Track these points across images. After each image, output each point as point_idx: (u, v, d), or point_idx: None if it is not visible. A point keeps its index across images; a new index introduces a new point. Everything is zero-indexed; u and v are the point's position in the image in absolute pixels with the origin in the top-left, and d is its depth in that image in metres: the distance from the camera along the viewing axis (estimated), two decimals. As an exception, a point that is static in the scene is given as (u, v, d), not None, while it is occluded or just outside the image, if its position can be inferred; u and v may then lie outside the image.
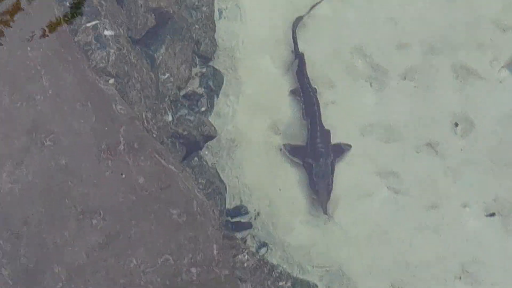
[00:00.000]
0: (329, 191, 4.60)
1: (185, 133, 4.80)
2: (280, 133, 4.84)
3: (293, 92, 4.96)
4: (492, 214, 4.72)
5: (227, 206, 4.67)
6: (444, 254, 4.76)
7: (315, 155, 4.67)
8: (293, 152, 4.77)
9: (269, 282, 4.33)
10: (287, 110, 4.93)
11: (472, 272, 4.76)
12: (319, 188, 4.59)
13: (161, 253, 4.27)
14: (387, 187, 4.86)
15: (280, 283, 4.39)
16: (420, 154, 4.81)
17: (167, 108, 4.71)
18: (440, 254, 4.77)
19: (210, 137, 4.88)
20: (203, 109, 4.93)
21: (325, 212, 4.56)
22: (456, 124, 4.95)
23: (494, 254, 4.79)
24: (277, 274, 4.57)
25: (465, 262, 4.76)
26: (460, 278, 4.75)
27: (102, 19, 4.48)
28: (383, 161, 4.90)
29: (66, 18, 4.47)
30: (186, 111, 4.80)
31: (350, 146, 4.74)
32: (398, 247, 4.77)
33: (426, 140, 4.94)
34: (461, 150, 4.90)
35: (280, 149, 4.80)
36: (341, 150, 4.76)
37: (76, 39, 4.36)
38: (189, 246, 4.36)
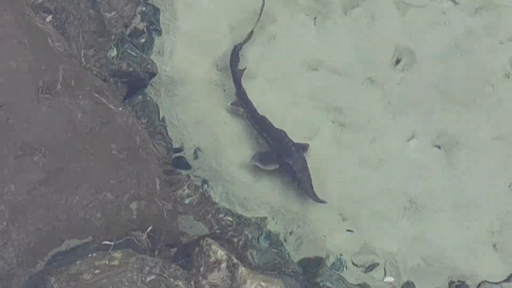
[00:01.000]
0: (311, 180, 4.48)
1: (130, 69, 4.72)
2: (221, 70, 4.55)
3: (235, 105, 4.76)
4: (437, 147, 4.37)
5: (169, 144, 4.38)
6: (389, 187, 4.68)
7: (288, 154, 4.54)
8: (264, 161, 4.59)
9: (209, 216, 4.09)
10: (227, 46, 4.56)
11: (419, 204, 4.69)
12: (305, 182, 4.51)
13: (102, 190, 4.11)
14: (332, 122, 4.78)
15: (221, 215, 4.15)
16: (363, 88, 4.52)
17: (112, 45, 4.50)
18: (385, 187, 4.69)
19: (152, 74, 4.76)
20: (145, 46, 4.66)
21: (318, 200, 4.51)
22: (398, 60, 4.85)
23: (439, 186, 4.70)
24: (218, 208, 4.54)
25: (411, 195, 4.67)
26: (408, 209, 4.68)
27: (39, -46, 4.21)
28: (327, 97, 4.79)
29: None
30: (130, 48, 4.52)
31: (308, 144, 4.64)
32: (343, 182, 4.69)
33: (369, 74, 4.85)
34: (404, 84, 4.77)
35: (251, 161, 4.58)
36: (302, 146, 4.63)
37: (12, -25, 4.13)
38: (131, 182, 4.28)
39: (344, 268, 4.57)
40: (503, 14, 4.82)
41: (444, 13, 4.86)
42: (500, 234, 4.55)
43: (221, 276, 4.00)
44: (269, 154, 4.57)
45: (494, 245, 4.53)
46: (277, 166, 4.51)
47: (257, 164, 4.54)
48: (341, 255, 4.57)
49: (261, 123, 4.57)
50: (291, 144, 4.50)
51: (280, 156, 4.51)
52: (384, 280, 4.50)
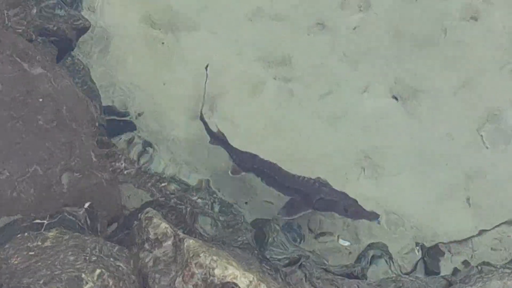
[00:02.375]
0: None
1: (55, 28, 4.12)
2: (158, 25, 3.82)
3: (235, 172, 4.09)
4: (395, 98, 3.80)
5: (104, 106, 3.70)
6: (344, 144, 4.18)
7: (315, 191, 3.88)
8: (294, 211, 3.94)
9: (149, 185, 3.46)
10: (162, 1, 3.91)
11: (378, 161, 4.18)
12: (353, 205, 3.84)
13: (31, 163, 3.43)
14: (277, 77, 4.28)
15: (162, 184, 3.53)
16: (312, 36, 3.91)
17: (34, 3, 3.76)
18: (339, 144, 4.19)
19: (83, 30, 4.19)
20: (73, 2, 4.04)
21: (375, 216, 3.84)
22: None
23: (396, 139, 4.20)
24: (158, 177, 4.09)
25: (370, 151, 4.18)
26: (367, 167, 4.17)
27: None
28: (273, 48, 3.97)
29: None
30: (55, 4, 3.83)
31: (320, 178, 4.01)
32: (294, 140, 4.19)
33: (317, 20, 4.33)
34: (358, 30, 4.04)
35: (279, 219, 4.00)
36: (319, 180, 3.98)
37: None
38: (62, 154, 3.81)
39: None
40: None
41: None
42: (469, 189, 4.13)
43: (166, 251, 3.41)
44: (294, 202, 3.96)
45: (467, 200, 4.12)
46: (310, 210, 3.93)
47: (289, 218, 4.00)
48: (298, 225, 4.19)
49: (271, 174, 3.95)
50: (312, 181, 3.88)
51: (309, 197, 3.89)
52: (340, 243, 4.10)
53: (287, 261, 4.07)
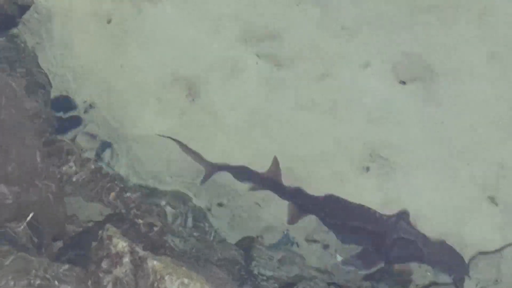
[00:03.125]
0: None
1: None
2: None
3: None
4: (402, 82, 3.46)
5: (52, 98, 2.83)
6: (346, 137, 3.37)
7: (392, 230, 3.15)
8: (365, 264, 3.16)
9: (106, 193, 2.62)
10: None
11: (385, 157, 3.37)
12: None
13: None
14: (263, 58, 3.46)
15: (127, 194, 2.65)
16: (301, 7, 2.95)
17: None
18: (340, 138, 3.39)
19: (25, 7, 3.48)
20: None
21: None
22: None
23: (412, 132, 3.38)
24: (117, 183, 3.35)
25: (375, 146, 3.38)
26: (368, 168, 3.38)
27: None
28: (260, 24, 3.49)
29: None
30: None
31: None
32: (284, 134, 3.40)
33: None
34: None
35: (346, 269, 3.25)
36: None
37: None
38: None
39: (295, 245, 3.47)
40: None
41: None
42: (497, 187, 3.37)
43: (124, 271, 2.56)
44: (365, 253, 3.18)
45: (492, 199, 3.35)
46: (383, 264, 3.17)
47: (359, 270, 3.21)
48: (287, 230, 3.46)
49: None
50: (385, 219, 3.13)
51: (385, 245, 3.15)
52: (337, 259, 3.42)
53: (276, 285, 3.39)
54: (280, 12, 3.44)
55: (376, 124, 3.41)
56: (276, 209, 3.47)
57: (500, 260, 3.25)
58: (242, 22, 3.47)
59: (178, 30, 3.43)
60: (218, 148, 3.36)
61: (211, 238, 3.51)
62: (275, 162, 3.28)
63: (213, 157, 3.32)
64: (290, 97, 3.42)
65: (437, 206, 3.33)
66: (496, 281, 3.26)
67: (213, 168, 3.33)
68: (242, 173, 3.35)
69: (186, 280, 2.81)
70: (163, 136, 3.32)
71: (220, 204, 3.47)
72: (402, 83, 3.48)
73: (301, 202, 3.29)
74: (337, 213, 3.21)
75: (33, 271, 2.87)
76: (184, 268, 2.96)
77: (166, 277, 2.81)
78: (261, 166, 3.28)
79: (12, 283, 2.78)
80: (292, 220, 3.34)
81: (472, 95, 3.42)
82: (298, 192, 3.26)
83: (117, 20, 3.43)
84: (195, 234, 3.42)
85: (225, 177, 3.30)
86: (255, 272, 3.42)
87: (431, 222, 3.30)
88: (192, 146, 3.35)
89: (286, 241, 3.51)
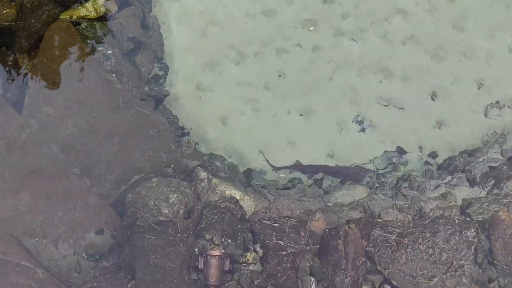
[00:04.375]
0: None
1: (154, 94, 7.40)
2: None
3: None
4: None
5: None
6: (279, 136, 7.21)
7: None
8: None
9: (198, 158, 7.50)
10: None
11: (295, 143, 7.53)
12: None
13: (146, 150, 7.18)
14: (249, 111, 7.36)
15: (204, 157, 7.57)
16: (263, 91, 7.80)
17: (144, 84, 7.51)
18: (279, 137, 7.24)
19: (166, 96, 7.38)
20: (161, 82, 7.77)
21: None
22: (280, 75, 7.74)
23: (302, 133, 7.54)
24: (203, 154, 7.54)
25: (290, 139, 7.17)
26: (288, 145, 7.51)
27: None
28: (248, 96, 7.71)
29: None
30: (153, 84, 7.70)
31: None
32: (258, 136, 7.30)
33: (264, 84, 7.77)
34: (282, 86, 7.70)
35: None
36: None
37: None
38: (160, 146, 7.20)
39: (265, 173, 7.60)
40: None
41: (295, 53, 7.48)
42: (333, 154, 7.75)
43: (205, 185, 6.48)
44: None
45: (331, 154, 7.78)
46: None
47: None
48: (262, 168, 7.58)
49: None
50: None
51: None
52: (281, 176, 7.71)
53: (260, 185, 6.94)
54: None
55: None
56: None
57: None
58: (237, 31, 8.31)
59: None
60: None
61: (238, 171, 6.98)
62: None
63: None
64: (288, 101, 8.03)
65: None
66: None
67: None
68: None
69: (226, 185, 6.66)
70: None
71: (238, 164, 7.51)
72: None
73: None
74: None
75: (172, 184, 5.82)
76: (225, 181, 6.55)
77: (219, 186, 6.14)
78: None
79: (165, 189, 5.78)
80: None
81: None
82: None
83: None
84: (228, 170, 6.85)
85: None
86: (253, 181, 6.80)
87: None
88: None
89: (262, 172, 7.61)
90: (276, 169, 6.74)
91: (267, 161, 6.82)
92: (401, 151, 7.28)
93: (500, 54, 7.52)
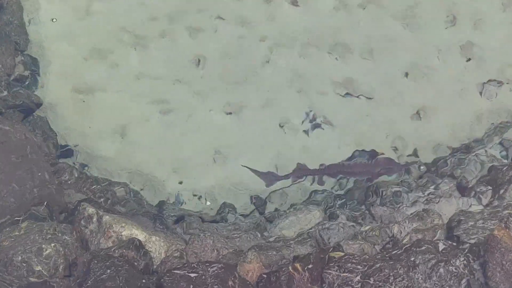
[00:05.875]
0: None
1: (20, 102, 7.32)
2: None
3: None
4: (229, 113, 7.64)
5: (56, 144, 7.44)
6: (200, 146, 7.52)
7: None
8: None
9: (85, 188, 7.23)
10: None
11: (224, 153, 7.59)
12: None
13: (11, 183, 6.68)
14: (156, 115, 7.58)
15: (93, 186, 7.31)
16: (174, 86, 7.70)
17: (2, 88, 7.31)
18: (199, 147, 7.60)
19: (38, 104, 7.46)
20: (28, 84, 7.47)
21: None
22: (197, 62, 7.74)
23: (235, 139, 7.60)
24: (92, 181, 7.32)
25: (217, 148, 7.58)
26: (214, 160, 7.53)
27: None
28: (154, 95, 7.73)
29: None
30: (18, 88, 7.39)
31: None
32: (171, 148, 7.61)
33: (177, 77, 7.77)
34: (202, 78, 7.77)
35: None
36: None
37: None
38: (27, 176, 6.70)
39: (184, 202, 7.52)
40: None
41: (216, 31, 7.86)
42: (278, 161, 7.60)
43: (94, 226, 6.27)
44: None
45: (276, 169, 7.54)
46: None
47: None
48: (180, 193, 7.47)
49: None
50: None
51: None
52: (206, 205, 7.58)
53: (174, 219, 7.03)
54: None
55: (217, 136, 8.04)
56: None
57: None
58: (146, 93, 8.33)
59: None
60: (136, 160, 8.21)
61: (143, 202, 7.10)
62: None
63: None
64: (173, 131, 7.98)
65: (248, 174, 8.27)
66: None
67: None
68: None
69: (123, 224, 6.94)
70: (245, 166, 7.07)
71: (142, 189, 7.37)
72: (229, 114, 8.36)
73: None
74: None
75: (44, 230, 5.64)
76: (123, 218, 7.42)
77: (113, 224, 6.31)
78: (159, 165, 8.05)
79: (37, 237, 5.63)
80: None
81: (262, 117, 8.31)
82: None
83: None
84: (133, 199, 6.94)
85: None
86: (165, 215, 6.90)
87: (246, 181, 8.16)
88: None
89: (179, 200, 7.50)
90: (284, 177, 7.06)
91: (254, 171, 7.10)
92: (370, 154, 7.20)
93: (491, 16, 7.54)
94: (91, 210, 6.47)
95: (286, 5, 7.85)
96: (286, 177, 6.96)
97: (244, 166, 7.05)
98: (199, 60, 7.82)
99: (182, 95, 7.69)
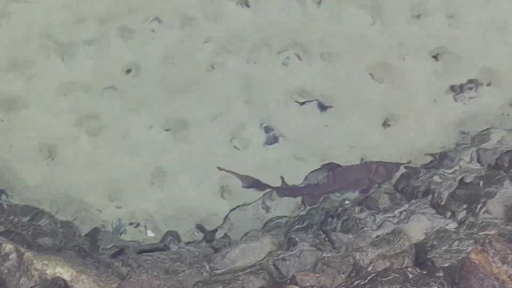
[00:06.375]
0: None
1: None
2: None
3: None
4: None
5: None
6: (137, 167, 7.44)
7: None
8: None
9: (2, 218, 6.89)
10: None
11: (165, 175, 7.50)
12: None
13: None
14: (87, 132, 7.42)
15: (12, 217, 6.99)
16: (104, 98, 7.38)
17: None
18: (136, 168, 7.48)
19: None
20: None
21: None
22: (129, 70, 7.52)
23: (176, 158, 7.49)
24: (13, 210, 7.01)
25: (157, 169, 7.45)
26: (154, 183, 7.36)
27: None
28: (83, 109, 7.53)
29: None
30: None
31: None
32: (105, 171, 7.44)
33: (107, 85, 7.56)
34: (135, 87, 7.58)
35: None
36: None
37: None
38: None
39: (122, 232, 7.34)
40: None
41: (154, 31, 7.69)
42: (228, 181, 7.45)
43: (12, 263, 5.83)
44: None
45: (226, 189, 7.41)
46: None
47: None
48: (120, 220, 7.31)
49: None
50: None
51: None
52: (148, 235, 7.36)
53: (113, 252, 6.76)
54: (91, 102, 7.90)
55: (155, 156, 7.66)
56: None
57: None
58: (74, 107, 8.03)
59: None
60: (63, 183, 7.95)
61: (74, 233, 6.88)
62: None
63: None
64: (107, 150, 7.68)
65: (192, 197, 7.96)
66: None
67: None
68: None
69: (46, 262, 5.72)
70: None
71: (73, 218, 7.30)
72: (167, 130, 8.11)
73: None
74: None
75: None
76: (46, 255, 6.72)
77: (35, 261, 5.55)
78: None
79: None
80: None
81: (207, 133, 8.09)
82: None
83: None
84: (61, 230, 6.73)
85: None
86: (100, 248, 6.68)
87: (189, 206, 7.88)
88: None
89: (116, 230, 7.32)
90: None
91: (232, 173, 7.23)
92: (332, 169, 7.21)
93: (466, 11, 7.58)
94: (9, 246, 6.10)
95: (233, 3, 7.87)
96: (268, 188, 7.14)
97: (220, 169, 7.12)
98: (131, 69, 7.78)
99: (115, 110, 7.63)
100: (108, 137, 7.54)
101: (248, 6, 7.79)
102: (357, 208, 6.86)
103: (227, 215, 7.30)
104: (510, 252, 5.39)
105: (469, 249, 5.72)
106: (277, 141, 7.57)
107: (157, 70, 7.67)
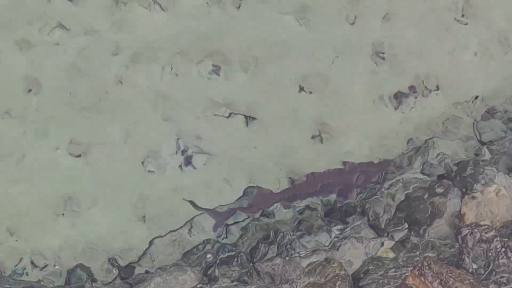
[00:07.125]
0: None
1: None
2: None
3: None
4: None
5: None
6: (44, 195, 7.49)
7: None
8: None
9: None
10: None
11: (72, 204, 7.62)
12: None
13: None
14: None
15: None
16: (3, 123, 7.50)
17: None
18: (40, 196, 7.49)
19: None
20: None
21: None
22: (29, 90, 7.67)
23: (87, 186, 7.67)
24: None
25: (65, 197, 7.58)
26: (64, 214, 7.51)
27: None
28: None
29: None
30: None
31: None
32: (2, 202, 7.56)
33: (4, 109, 7.63)
34: (37, 109, 7.69)
35: None
36: None
37: None
38: None
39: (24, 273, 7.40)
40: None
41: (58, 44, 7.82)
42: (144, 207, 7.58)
43: None
44: None
45: (143, 218, 7.55)
46: None
47: None
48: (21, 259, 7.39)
49: None
50: None
51: None
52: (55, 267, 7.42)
53: None
54: None
55: (64, 183, 7.98)
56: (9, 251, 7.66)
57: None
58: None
59: None
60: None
61: None
62: None
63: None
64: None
65: (106, 227, 8.12)
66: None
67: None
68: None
69: None
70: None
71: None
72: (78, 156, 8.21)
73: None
74: None
75: None
76: None
77: None
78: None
79: None
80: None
81: (117, 155, 8.29)
82: None
83: None
84: None
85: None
86: None
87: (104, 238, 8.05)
88: None
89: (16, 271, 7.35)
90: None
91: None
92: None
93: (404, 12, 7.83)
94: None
95: (142, 9, 7.95)
96: (245, 210, 7.41)
97: (187, 200, 7.34)
98: (30, 89, 7.90)
99: (11, 132, 7.74)
100: (3, 164, 7.70)
101: (163, 10, 7.81)
102: (287, 233, 7.02)
103: (147, 248, 7.48)
104: (451, 275, 5.66)
105: (406, 274, 5.94)
106: (194, 161, 7.79)
107: (59, 85, 7.88)
